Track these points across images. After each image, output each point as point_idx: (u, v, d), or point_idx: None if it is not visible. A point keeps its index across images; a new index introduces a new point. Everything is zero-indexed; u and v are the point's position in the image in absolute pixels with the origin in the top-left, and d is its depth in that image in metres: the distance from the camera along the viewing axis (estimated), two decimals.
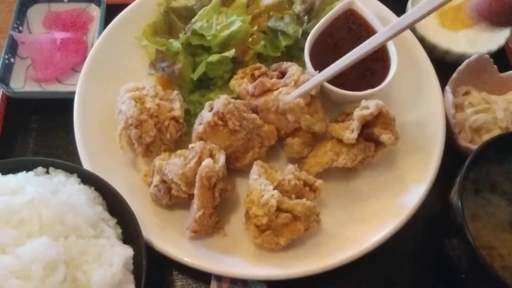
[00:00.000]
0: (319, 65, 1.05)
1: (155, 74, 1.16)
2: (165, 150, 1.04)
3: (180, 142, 1.09)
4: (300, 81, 1.02)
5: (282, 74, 1.08)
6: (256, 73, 1.07)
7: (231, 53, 1.11)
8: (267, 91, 1.04)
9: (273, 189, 0.93)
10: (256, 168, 0.98)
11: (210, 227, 0.96)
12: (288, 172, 0.98)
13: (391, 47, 1.08)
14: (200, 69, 1.12)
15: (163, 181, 0.98)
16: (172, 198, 0.99)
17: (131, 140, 1.03)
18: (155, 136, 1.02)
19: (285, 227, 0.93)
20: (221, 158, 0.96)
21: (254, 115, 1.02)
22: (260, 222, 0.92)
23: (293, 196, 0.95)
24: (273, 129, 1.05)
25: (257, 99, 1.04)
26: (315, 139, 1.06)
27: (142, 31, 1.20)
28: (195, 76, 1.12)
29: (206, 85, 1.16)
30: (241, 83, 1.07)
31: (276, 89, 1.03)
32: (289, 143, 1.05)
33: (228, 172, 1.00)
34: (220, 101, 0.98)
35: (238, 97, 1.08)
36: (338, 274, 0.96)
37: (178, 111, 1.04)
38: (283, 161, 1.11)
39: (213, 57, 1.11)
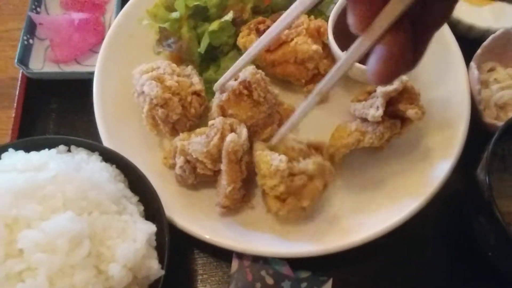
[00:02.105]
0: (344, 46, 1.04)
1: (163, 52, 1.15)
2: (190, 127, 1.04)
3: (204, 117, 1.08)
4: (312, 28, 1.05)
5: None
6: (261, 27, 1.08)
7: (229, 16, 1.09)
8: (282, 43, 1.06)
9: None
10: (256, 144, 0.97)
11: (239, 200, 0.96)
12: (290, 140, 0.96)
13: None
14: (205, 41, 1.10)
15: (187, 161, 0.97)
16: (197, 177, 0.99)
17: (155, 122, 1.02)
18: (180, 113, 1.01)
19: (303, 189, 0.91)
20: (243, 131, 0.95)
21: (277, 92, 1.01)
22: (278, 192, 0.90)
23: (301, 159, 0.93)
24: (292, 108, 1.04)
25: (273, 53, 1.06)
26: None
27: (146, 13, 1.16)
28: (202, 49, 1.10)
29: (214, 55, 1.15)
30: (251, 40, 1.07)
31: (291, 40, 1.05)
32: (311, 89, 1.08)
33: None
34: (248, 69, 0.97)
35: None
36: (358, 253, 0.94)
37: (198, 85, 1.04)
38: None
39: (214, 25, 1.09)
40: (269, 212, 0.96)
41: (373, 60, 0.52)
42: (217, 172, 0.97)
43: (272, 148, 0.96)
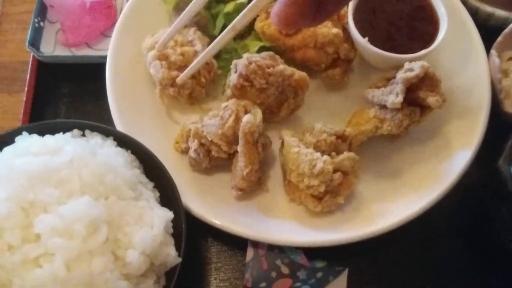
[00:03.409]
0: (364, 30, 1.02)
1: None
2: (207, 92, 1.06)
3: (217, 80, 1.10)
4: None
5: None
6: None
7: None
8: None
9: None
10: (291, 140, 0.95)
11: (255, 183, 0.95)
12: (320, 132, 0.95)
13: (440, 7, 1.03)
14: (220, 23, 1.09)
15: (202, 145, 0.96)
16: (212, 161, 0.97)
17: (171, 99, 1.04)
18: (191, 87, 1.02)
19: (340, 186, 0.91)
20: (258, 112, 0.94)
21: (281, 67, 0.98)
22: (317, 191, 0.90)
23: (333, 153, 0.93)
24: (304, 76, 1.01)
25: (293, 38, 1.04)
26: (350, 67, 1.10)
27: None
28: (217, 31, 1.09)
29: None
30: (269, 24, 1.06)
31: None
32: (331, 74, 1.07)
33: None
34: (241, 62, 0.96)
35: (268, 39, 1.07)
36: (375, 243, 0.93)
37: (202, 51, 1.02)
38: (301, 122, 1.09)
39: (229, 7, 1.07)
40: (293, 202, 0.97)
41: (278, 3, 0.55)
42: (232, 155, 0.96)
43: (300, 140, 0.95)
